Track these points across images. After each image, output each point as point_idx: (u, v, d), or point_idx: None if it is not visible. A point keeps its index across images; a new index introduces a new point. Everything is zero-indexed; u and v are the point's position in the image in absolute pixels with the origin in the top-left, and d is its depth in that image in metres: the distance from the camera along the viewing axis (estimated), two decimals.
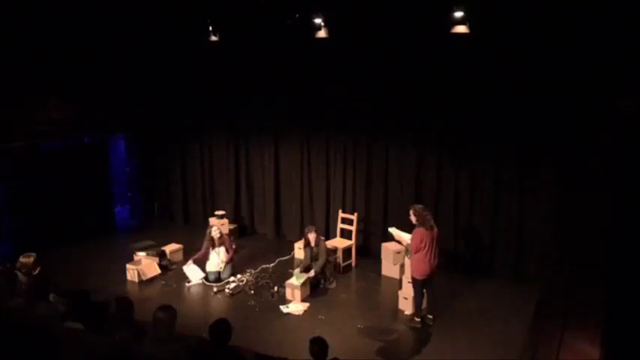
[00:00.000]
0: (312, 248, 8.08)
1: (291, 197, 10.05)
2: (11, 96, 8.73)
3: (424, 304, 6.98)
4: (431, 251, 6.65)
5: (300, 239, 8.87)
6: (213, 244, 8.38)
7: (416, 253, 6.68)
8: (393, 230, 7.43)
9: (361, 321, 7.09)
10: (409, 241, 6.86)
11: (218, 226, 8.74)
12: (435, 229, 6.76)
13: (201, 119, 10.58)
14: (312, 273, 7.85)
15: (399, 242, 7.69)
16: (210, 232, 8.44)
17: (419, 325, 6.90)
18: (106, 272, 8.58)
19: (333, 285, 8.14)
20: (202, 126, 10.66)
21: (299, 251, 8.99)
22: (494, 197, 8.18)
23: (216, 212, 9.83)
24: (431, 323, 6.92)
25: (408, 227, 7.14)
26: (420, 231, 6.67)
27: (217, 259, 8.33)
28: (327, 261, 8.07)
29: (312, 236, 8.03)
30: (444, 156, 8.45)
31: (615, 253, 6.70)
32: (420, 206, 6.89)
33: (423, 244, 6.62)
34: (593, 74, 6.97)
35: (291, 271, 8.09)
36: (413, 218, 6.80)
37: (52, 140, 9.70)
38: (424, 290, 6.91)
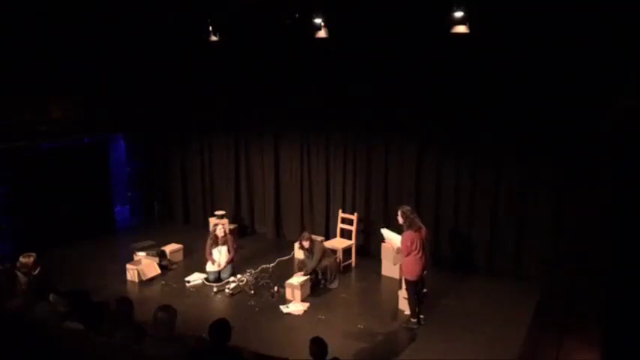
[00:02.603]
0: (309, 250, 8.11)
1: (291, 197, 10.05)
2: (12, 96, 8.73)
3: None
4: (422, 252, 6.65)
5: None
6: (215, 243, 8.38)
7: (407, 255, 6.68)
8: (384, 232, 7.45)
9: (361, 321, 7.09)
10: (399, 245, 6.86)
11: (223, 224, 8.74)
12: (424, 230, 6.76)
13: (201, 119, 10.58)
14: (302, 272, 7.86)
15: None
16: (214, 231, 8.44)
17: (415, 326, 6.89)
18: (106, 272, 8.58)
19: (335, 285, 8.13)
20: (202, 126, 10.66)
21: (299, 251, 8.99)
22: (494, 197, 8.17)
23: (216, 212, 9.82)
24: (423, 322, 6.91)
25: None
26: (408, 234, 6.66)
27: (218, 258, 8.34)
28: (320, 261, 8.03)
29: (305, 244, 8.06)
30: (444, 156, 8.45)
31: (615, 253, 6.70)
32: (408, 208, 6.87)
33: (414, 246, 6.61)
34: (593, 74, 6.98)
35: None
36: (400, 220, 6.79)
37: (52, 140, 9.70)
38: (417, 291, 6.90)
